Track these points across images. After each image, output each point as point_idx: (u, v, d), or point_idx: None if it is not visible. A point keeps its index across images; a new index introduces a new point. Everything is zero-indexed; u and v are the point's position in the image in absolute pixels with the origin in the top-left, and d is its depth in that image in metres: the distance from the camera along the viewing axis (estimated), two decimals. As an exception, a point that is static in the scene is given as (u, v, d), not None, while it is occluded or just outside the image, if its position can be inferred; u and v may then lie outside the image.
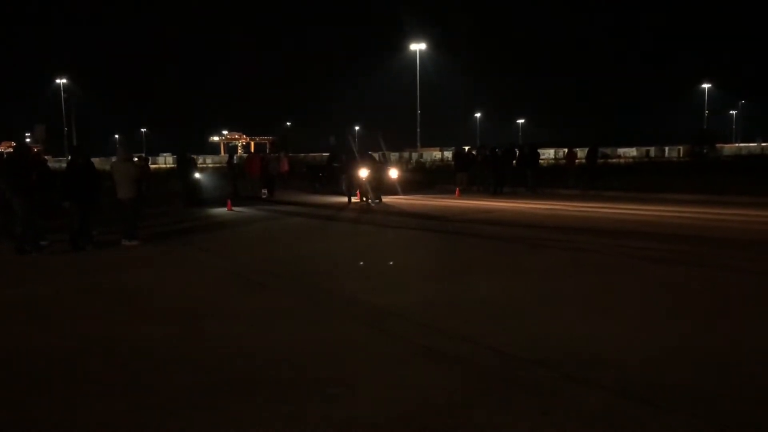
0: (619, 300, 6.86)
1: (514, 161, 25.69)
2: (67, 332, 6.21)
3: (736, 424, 3.80)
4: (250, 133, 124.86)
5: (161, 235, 13.45)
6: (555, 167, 36.88)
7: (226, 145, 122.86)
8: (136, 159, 15.86)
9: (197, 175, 22.99)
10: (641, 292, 7.15)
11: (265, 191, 24.93)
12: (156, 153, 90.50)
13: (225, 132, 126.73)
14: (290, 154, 31.63)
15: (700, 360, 4.90)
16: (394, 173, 24.88)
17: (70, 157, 12.25)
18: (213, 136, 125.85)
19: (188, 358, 5.32)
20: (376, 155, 24.44)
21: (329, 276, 8.67)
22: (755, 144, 66.02)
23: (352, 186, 21.22)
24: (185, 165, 22.80)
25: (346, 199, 21.51)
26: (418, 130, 60.02)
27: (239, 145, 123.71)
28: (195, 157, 28.22)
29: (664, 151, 64.10)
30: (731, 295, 6.93)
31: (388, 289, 7.69)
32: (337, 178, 25.40)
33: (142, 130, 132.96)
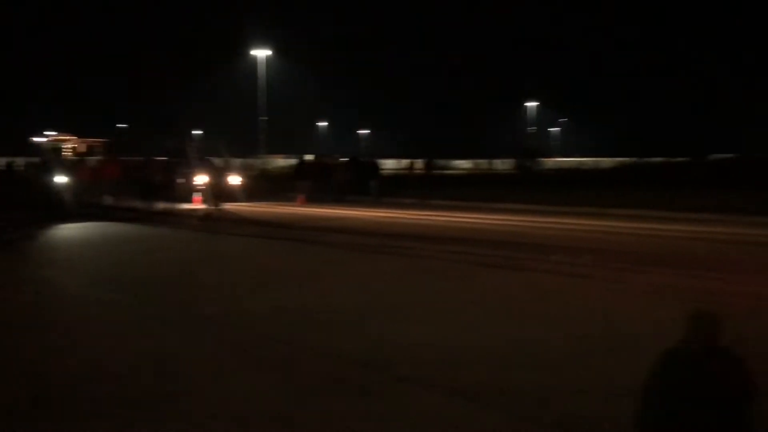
0: (451, 303, 7.25)
1: (357, 171, 26.25)
2: None
3: (556, 422, 4.17)
4: (83, 135, 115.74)
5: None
6: (396, 177, 38.10)
7: (40, 146, 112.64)
8: None
9: (60, 179, 20.47)
10: (471, 295, 7.59)
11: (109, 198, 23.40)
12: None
13: (51, 132, 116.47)
14: (122, 159, 29.91)
15: (526, 357, 5.31)
16: (236, 180, 24.37)
17: None
18: (36, 136, 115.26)
19: None
20: (217, 161, 23.81)
21: (156, 286, 8.34)
22: (573, 159, 72.43)
23: (182, 192, 20.33)
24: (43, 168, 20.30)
25: (189, 206, 20.67)
26: (262, 136, 59.28)
27: (67, 146, 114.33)
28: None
29: (494, 164, 68.40)
30: (548, 297, 7.56)
31: (223, 299, 7.54)
32: (170, 184, 24.36)
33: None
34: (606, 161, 54.67)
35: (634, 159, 45.53)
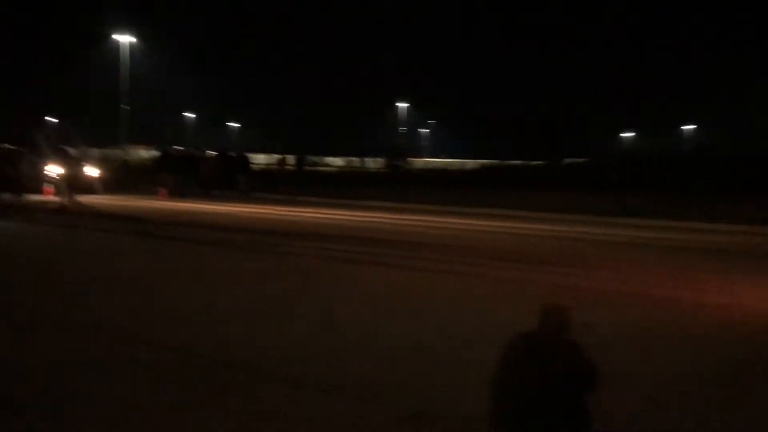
0: (316, 301, 7.22)
1: (225, 165, 25.60)
2: None
3: (413, 414, 4.26)
4: None
5: None
6: (266, 172, 37.54)
7: None
8: None
9: None
10: (336, 292, 7.60)
11: None
12: None
13: None
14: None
15: (386, 351, 5.39)
16: (93, 171, 22.97)
17: None
18: None
19: None
20: (72, 151, 22.30)
21: (9, 287, 7.68)
22: (440, 159, 74.94)
23: (32, 183, 18.85)
24: None
25: (39, 198, 19.14)
26: (124, 126, 56.23)
27: None
28: None
29: (366, 162, 69.28)
30: (411, 292, 7.73)
31: (73, 300, 7.08)
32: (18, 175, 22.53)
33: None
34: (471, 163, 57.08)
35: (496, 161, 47.90)
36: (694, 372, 4.97)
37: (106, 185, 23.23)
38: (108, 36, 54.88)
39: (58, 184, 18.53)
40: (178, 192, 23.58)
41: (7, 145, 25.75)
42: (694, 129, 77.14)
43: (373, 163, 63.78)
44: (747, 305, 7.13)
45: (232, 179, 25.03)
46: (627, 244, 12.62)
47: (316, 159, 61.51)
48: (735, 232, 14.60)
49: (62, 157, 19.16)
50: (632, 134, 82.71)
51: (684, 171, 22.83)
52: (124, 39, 53.38)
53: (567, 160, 42.66)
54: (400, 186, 27.95)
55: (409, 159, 54.85)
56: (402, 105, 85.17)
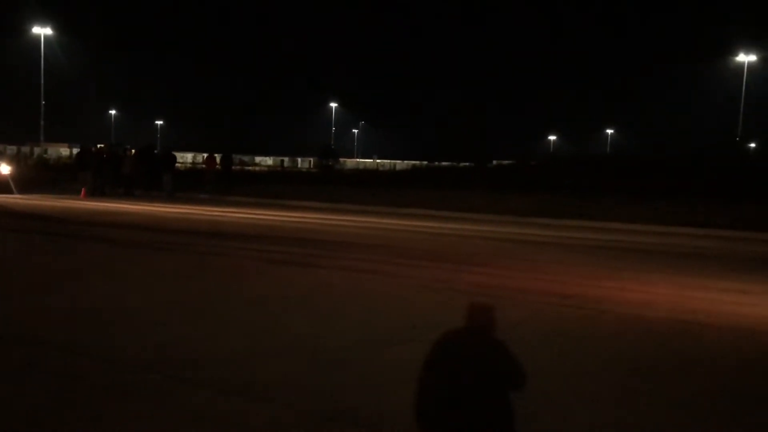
0: (236, 302, 7.10)
1: (149, 163, 24.80)
2: None
3: (334, 415, 4.24)
4: None
5: None
6: (193, 171, 36.63)
7: None
8: None
9: None
10: (257, 293, 7.49)
11: None
12: None
13: None
14: None
15: (311, 353, 5.34)
16: (5, 169, 21.89)
17: None
18: None
19: None
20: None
21: None
22: (371, 160, 75.21)
23: None
24: None
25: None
26: (42, 122, 53.83)
27: None
28: None
29: (297, 161, 68.79)
30: (335, 292, 7.70)
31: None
32: None
33: None
34: (401, 163, 57.53)
35: (425, 162, 48.42)
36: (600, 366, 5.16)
37: (22, 184, 22.18)
38: (27, 29, 52.46)
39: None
40: (98, 191, 22.73)
41: None
42: (612, 133, 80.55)
43: (305, 163, 63.46)
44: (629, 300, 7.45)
45: (156, 178, 24.30)
46: (548, 243, 12.98)
47: (245, 158, 60.63)
48: (646, 232, 15.28)
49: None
50: (555, 137, 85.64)
51: (601, 173, 23.65)
52: (44, 32, 51.12)
53: (494, 162, 43.52)
54: (331, 186, 27.78)
55: (341, 159, 54.78)
56: (333, 105, 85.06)
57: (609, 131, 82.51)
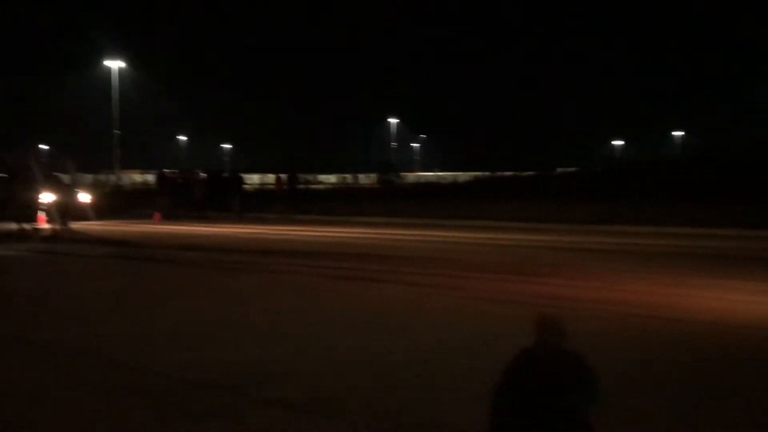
0: (308, 318, 7.28)
1: (219, 186, 25.65)
2: None
3: (395, 425, 4.32)
4: None
5: None
6: (260, 192, 37.58)
7: None
8: None
9: None
10: (328, 309, 7.66)
11: None
12: None
13: None
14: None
15: (378, 368, 5.44)
16: (85, 197, 22.99)
17: None
18: None
19: None
20: (64, 177, 22.33)
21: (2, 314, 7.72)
22: (432, 173, 75.20)
23: (27, 211, 18.80)
24: None
25: (32, 226, 19.15)
26: (117, 151, 56.33)
27: None
28: None
29: (358, 178, 69.45)
30: (400, 309, 7.79)
31: (71, 324, 7.11)
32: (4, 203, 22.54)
33: None
34: (463, 175, 57.22)
35: (487, 173, 48.02)
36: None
37: (99, 211, 23.25)
38: (99, 62, 55.15)
39: (49, 211, 18.53)
40: (171, 215, 23.61)
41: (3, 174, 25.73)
42: (683, 135, 77.79)
43: (366, 178, 63.97)
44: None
45: (226, 200, 25.08)
46: (616, 252, 12.72)
47: (309, 177, 61.62)
48: (723, 236, 14.75)
49: (54, 185, 19.15)
50: (622, 142, 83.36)
51: (672, 176, 22.99)
52: (115, 64, 53.62)
53: (558, 170, 42.82)
54: (393, 201, 27.99)
55: (401, 173, 55.03)
56: (392, 120, 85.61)
57: (678, 133, 79.83)
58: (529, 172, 40.05)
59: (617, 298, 7.92)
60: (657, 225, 16.67)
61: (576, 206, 20.30)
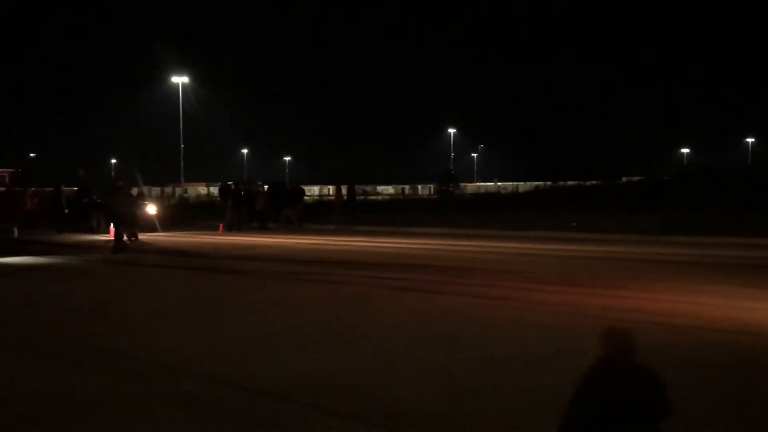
0: (368, 329, 7.28)
1: (280, 197, 26.06)
2: None
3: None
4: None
5: None
6: (320, 203, 38.02)
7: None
8: None
9: None
10: (390, 320, 7.65)
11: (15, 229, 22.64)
12: None
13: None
14: (34, 189, 28.72)
15: (446, 382, 5.39)
16: (152, 209, 23.77)
17: None
18: None
19: None
20: (133, 190, 23.15)
21: (74, 323, 8.01)
22: (492, 183, 74.55)
23: (107, 223, 19.68)
24: None
25: (97, 237, 19.96)
26: (182, 164, 58.12)
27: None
28: None
29: (417, 188, 69.58)
30: (464, 321, 7.70)
31: (137, 333, 7.32)
32: (86, 214, 23.56)
33: None
34: (523, 185, 56.53)
35: (549, 183, 47.25)
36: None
37: (165, 222, 23.98)
38: (164, 78, 57.07)
39: (120, 222, 19.17)
40: (235, 226, 24.11)
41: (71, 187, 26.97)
42: (753, 142, 74.58)
43: (425, 189, 64.00)
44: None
45: (287, 211, 25.45)
46: (685, 263, 12.27)
47: (368, 188, 62.13)
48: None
49: (124, 196, 19.84)
50: (688, 150, 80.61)
51: (741, 184, 22.04)
52: (180, 80, 55.42)
53: (624, 179, 41.76)
54: (452, 211, 27.83)
55: (461, 184, 54.76)
56: (451, 131, 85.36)
57: (749, 140, 76.74)
58: (593, 182, 39.19)
59: (685, 310, 7.63)
60: (725, 235, 16.01)
61: (641, 216, 19.72)
